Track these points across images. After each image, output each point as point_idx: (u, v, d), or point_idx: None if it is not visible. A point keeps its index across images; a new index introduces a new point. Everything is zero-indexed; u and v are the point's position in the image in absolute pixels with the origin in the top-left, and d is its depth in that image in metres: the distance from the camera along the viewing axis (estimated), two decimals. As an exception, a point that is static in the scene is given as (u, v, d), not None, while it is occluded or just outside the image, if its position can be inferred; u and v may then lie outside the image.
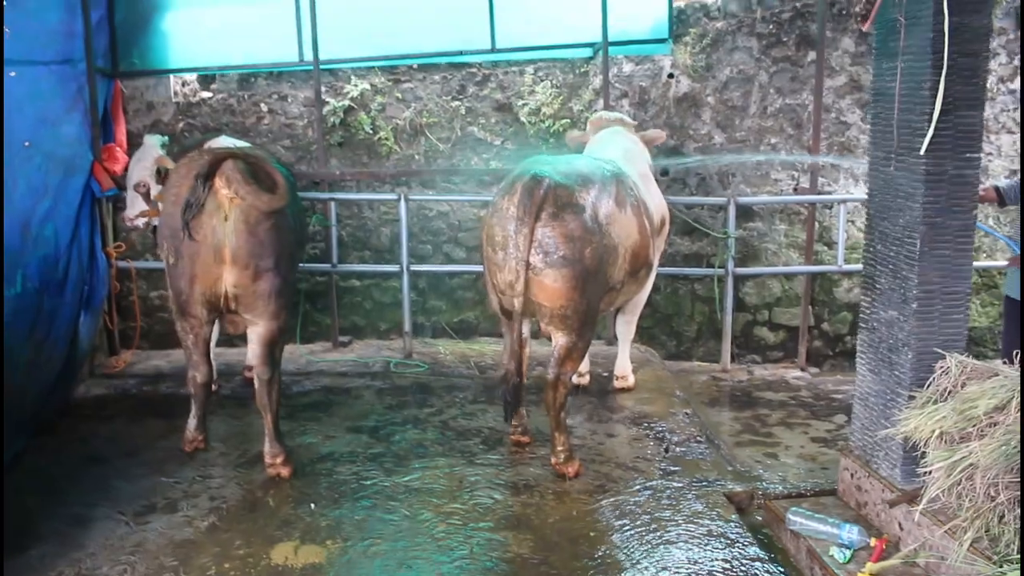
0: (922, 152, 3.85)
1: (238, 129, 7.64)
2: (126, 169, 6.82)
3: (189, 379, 5.12)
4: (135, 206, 6.23)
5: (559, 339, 4.83)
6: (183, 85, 7.80)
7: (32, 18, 6.08)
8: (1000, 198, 5.65)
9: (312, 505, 4.64)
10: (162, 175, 5.95)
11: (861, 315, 4.46)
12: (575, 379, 6.11)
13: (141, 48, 7.50)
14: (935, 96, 3.78)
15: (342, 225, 7.58)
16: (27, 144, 5.76)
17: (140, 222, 6.27)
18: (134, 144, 7.24)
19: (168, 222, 4.71)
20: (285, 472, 4.96)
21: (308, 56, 7.36)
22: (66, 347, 6.16)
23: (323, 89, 7.46)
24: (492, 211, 4.86)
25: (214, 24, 7.53)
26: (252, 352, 5.03)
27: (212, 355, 5.29)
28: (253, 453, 5.25)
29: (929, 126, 3.80)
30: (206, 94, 7.79)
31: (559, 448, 4.94)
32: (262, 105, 7.74)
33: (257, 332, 4.88)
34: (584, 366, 6.38)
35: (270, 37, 7.53)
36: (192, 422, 5.27)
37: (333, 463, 5.17)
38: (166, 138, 6.54)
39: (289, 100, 7.75)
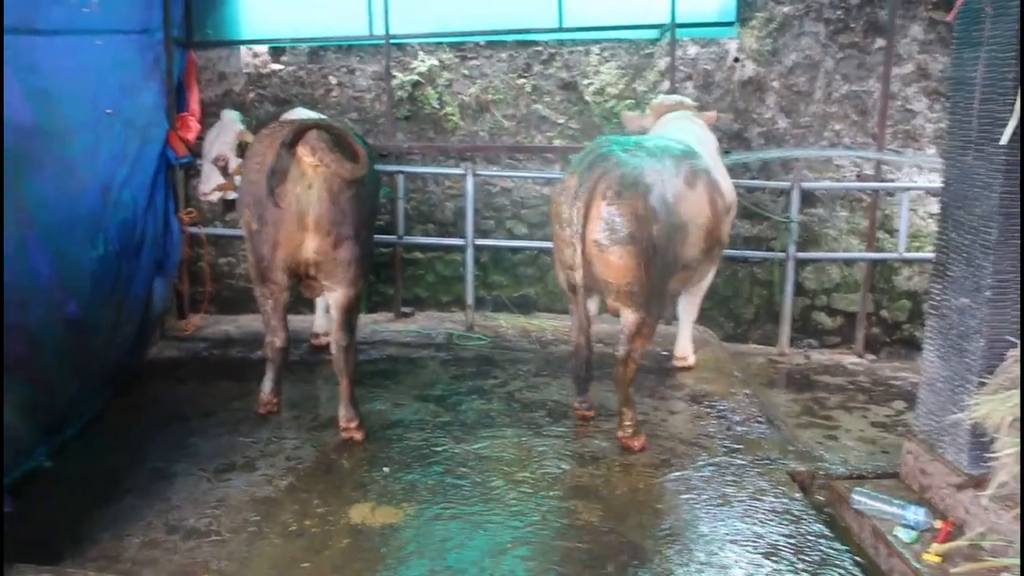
0: (1004, 142, 3.88)
1: (306, 101, 7.80)
2: (199, 137, 7.03)
3: (267, 344, 5.26)
4: (211, 180, 6.40)
5: (628, 315, 4.93)
6: (254, 56, 7.96)
7: (115, -12, 6.26)
8: None
9: (386, 469, 4.80)
10: (242, 149, 6.09)
11: (931, 302, 4.51)
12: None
13: (215, 19, 7.68)
14: (1019, 86, 3.81)
15: (407, 198, 7.72)
16: (110, 111, 5.94)
17: (215, 196, 6.43)
18: (207, 113, 7.45)
19: (251, 190, 4.82)
20: (359, 436, 5.13)
21: (378, 30, 7.52)
22: (141, 310, 6.38)
23: (391, 63, 7.59)
24: (560, 189, 4.96)
25: (286, -4, 7.69)
26: (331, 318, 5.16)
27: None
28: (325, 417, 5.42)
29: (1012, 117, 3.83)
30: (276, 66, 7.95)
31: (627, 423, 5.06)
32: (331, 78, 7.89)
33: (335, 298, 5.00)
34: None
35: (340, 11, 7.68)
36: (267, 385, 5.40)
37: (403, 429, 5.33)
38: (241, 116, 6.67)
39: (357, 73, 7.88)
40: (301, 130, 4.71)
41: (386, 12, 7.37)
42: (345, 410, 5.15)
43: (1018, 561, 3.30)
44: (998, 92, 3.96)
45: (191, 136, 7.08)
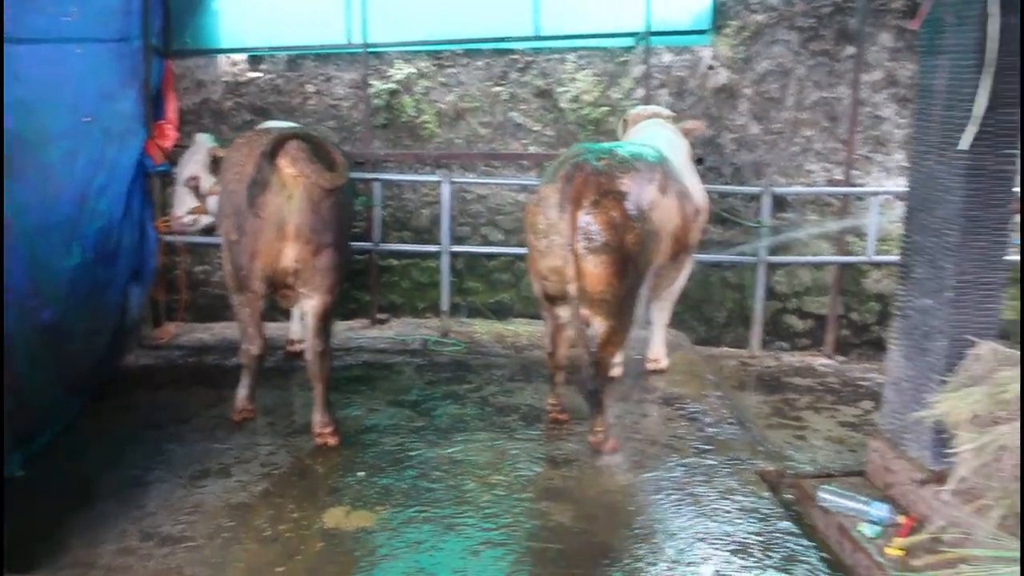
0: (963, 147, 3.98)
1: (284, 109, 7.83)
2: (177, 145, 7.05)
3: (242, 352, 5.28)
4: (184, 203, 6.24)
5: (600, 324, 4.98)
6: (232, 65, 7.99)
7: (94, -3, 6.29)
8: None
9: (360, 473, 4.85)
10: (216, 165, 6.04)
11: (896, 303, 4.61)
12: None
13: (193, 28, 7.70)
14: (978, 94, 3.91)
15: (384, 205, 7.75)
16: (87, 119, 5.96)
17: (188, 219, 6.29)
18: (185, 121, 7.48)
19: (230, 200, 4.85)
20: (333, 441, 5.17)
21: (355, 39, 7.57)
22: (117, 318, 6.39)
23: (368, 72, 7.65)
24: (536, 199, 5.01)
25: (264, 5, 7.71)
26: (305, 325, 5.19)
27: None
28: (300, 423, 5.45)
29: (971, 123, 3.92)
30: (254, 74, 7.98)
31: (598, 427, 5.11)
32: (308, 86, 7.92)
33: (312, 305, 5.03)
34: (617, 357, 6.50)
35: (318, 20, 7.70)
36: (242, 392, 5.42)
37: (378, 434, 5.37)
38: (213, 137, 6.55)
39: (335, 82, 7.92)
40: (280, 140, 4.75)
41: (364, 21, 7.44)
42: (320, 416, 5.18)
43: (977, 551, 3.38)
44: (959, 99, 4.06)
45: (168, 144, 7.10)
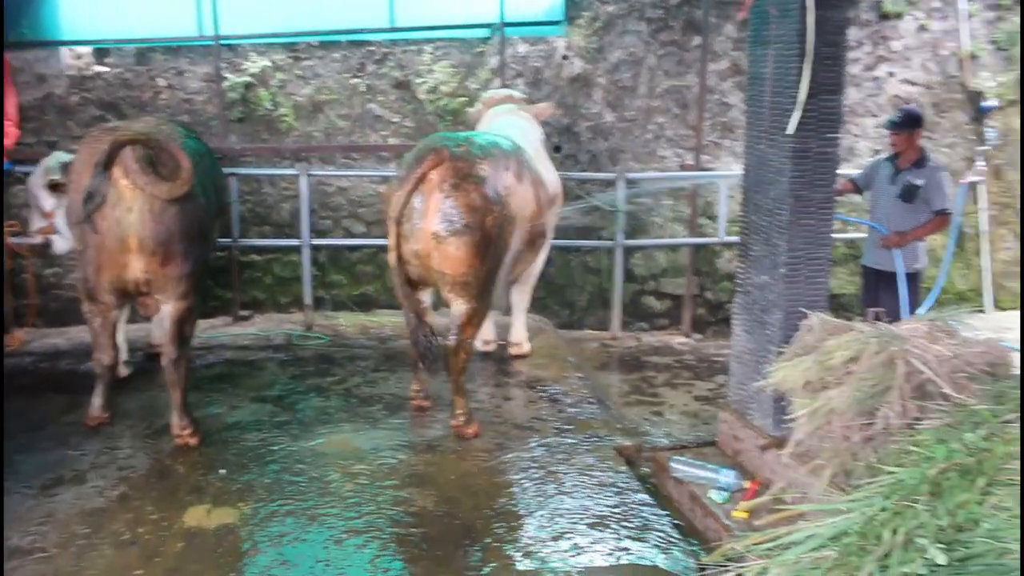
0: (790, 131, 4.23)
1: (135, 104, 7.61)
2: (18, 143, 6.74)
3: (95, 360, 5.16)
4: (34, 222, 5.99)
5: (460, 306, 5.08)
6: (77, 58, 7.70)
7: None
8: (856, 187, 6.21)
9: (222, 471, 4.78)
10: (55, 187, 5.69)
11: (736, 280, 4.86)
12: (482, 346, 6.40)
13: (31, 18, 7.40)
14: (801, 81, 4.16)
15: (242, 201, 7.63)
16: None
17: (39, 239, 6.02)
18: (27, 118, 7.17)
19: (74, 209, 4.68)
20: (193, 441, 5.06)
21: (207, 31, 7.40)
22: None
23: (222, 65, 7.50)
24: (396, 184, 5.06)
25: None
26: (162, 330, 5.02)
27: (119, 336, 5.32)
28: (160, 424, 5.32)
29: (796, 109, 4.17)
30: (101, 68, 7.71)
31: (459, 411, 5.20)
32: (159, 80, 7.71)
33: (167, 310, 4.90)
34: (490, 333, 6.66)
35: (168, 11, 7.53)
36: (96, 400, 5.29)
37: (240, 431, 5.30)
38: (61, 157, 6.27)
39: (187, 75, 7.74)
40: (115, 148, 4.48)
41: (215, 12, 7.27)
42: (178, 419, 5.06)
43: (811, 507, 3.61)
44: (784, 86, 4.31)
45: (9, 142, 6.77)
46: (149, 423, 5.40)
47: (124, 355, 6.14)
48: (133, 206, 4.56)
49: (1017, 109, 8.84)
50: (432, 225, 4.88)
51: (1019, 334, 5.66)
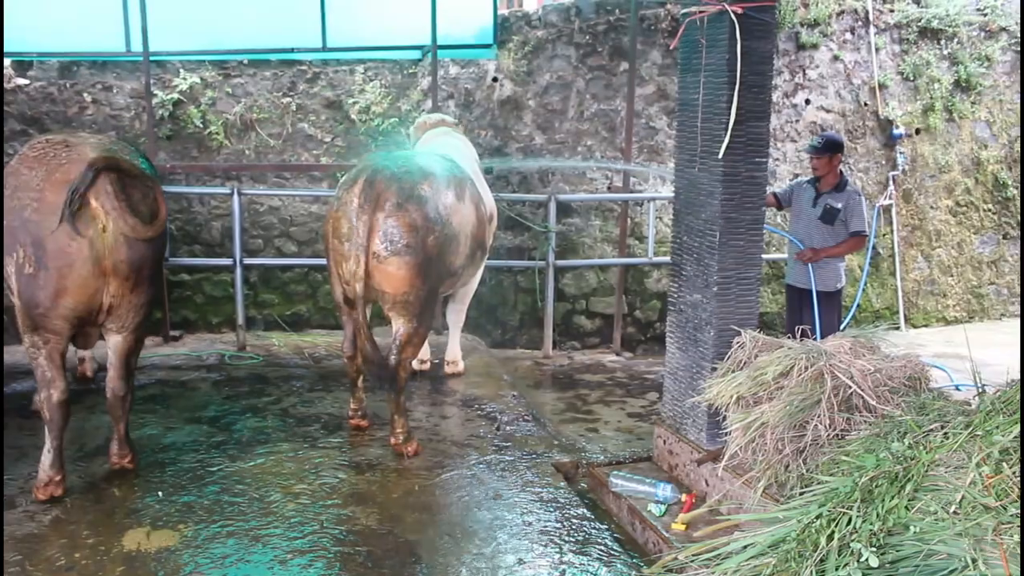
0: (720, 156, 4.41)
1: (59, 119, 7.47)
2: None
3: (42, 400, 4.58)
4: None
5: (400, 325, 5.12)
6: (-4, 71, 7.53)
7: None
8: (778, 203, 6.47)
9: (159, 493, 4.71)
10: None
11: (669, 299, 5.02)
12: (417, 365, 6.44)
13: (-57, 28, 7.19)
14: (731, 108, 4.35)
15: (172, 219, 7.53)
16: None
17: None
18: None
19: (30, 229, 4.24)
20: (130, 465, 4.95)
21: (135, 47, 7.32)
22: None
23: (151, 81, 7.41)
24: (337, 204, 5.07)
25: (32, 5, 7.27)
26: (109, 363, 4.79)
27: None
28: (91, 446, 5.23)
29: (726, 134, 4.36)
30: (22, 81, 7.55)
31: (399, 430, 5.23)
32: (85, 95, 7.59)
33: (116, 343, 4.70)
34: (426, 352, 6.71)
35: (94, 25, 7.43)
36: (47, 458, 4.60)
37: (176, 452, 5.24)
38: None
39: (115, 91, 7.63)
40: (92, 172, 4.27)
41: (144, 28, 7.16)
42: (119, 447, 4.94)
43: (746, 517, 3.75)
44: (715, 112, 4.49)
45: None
46: (80, 445, 5.29)
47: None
48: (108, 226, 4.34)
49: (923, 137, 9.31)
50: (373, 245, 4.90)
51: (799, 316, 6.00)
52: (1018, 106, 9.51)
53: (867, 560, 2.76)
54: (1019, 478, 2.71)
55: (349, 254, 4.94)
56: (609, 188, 8.34)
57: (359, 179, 4.99)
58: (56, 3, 7.37)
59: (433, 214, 5.05)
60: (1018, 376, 3.24)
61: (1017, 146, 9.59)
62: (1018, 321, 9.14)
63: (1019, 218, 9.55)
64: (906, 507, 2.88)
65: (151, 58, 7.34)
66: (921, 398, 3.69)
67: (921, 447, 3.13)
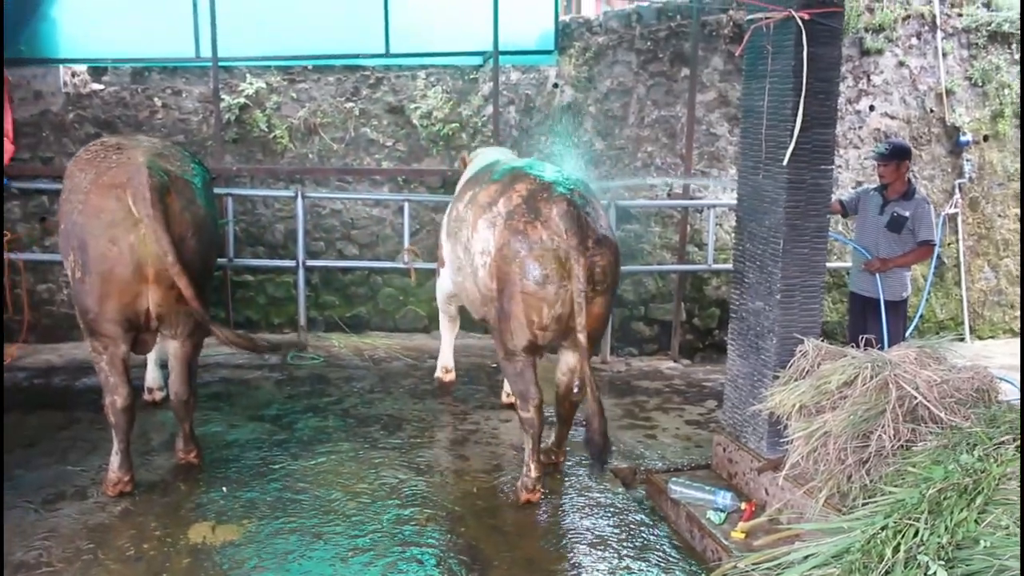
0: (785, 163, 4.38)
1: (131, 123, 7.67)
2: (14, 159, 6.80)
3: (107, 405, 4.58)
4: None
5: (577, 360, 4.80)
6: (73, 76, 7.76)
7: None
8: (844, 210, 6.37)
9: (224, 488, 4.82)
10: None
11: (731, 306, 4.99)
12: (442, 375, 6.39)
13: (29, 36, 7.46)
14: (796, 114, 4.32)
15: (237, 221, 7.70)
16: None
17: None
18: (23, 134, 7.24)
19: (75, 232, 4.29)
20: (195, 460, 5.08)
21: (204, 52, 7.50)
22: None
23: (219, 86, 7.58)
24: (520, 240, 4.48)
25: (107, 14, 7.56)
26: (172, 368, 4.85)
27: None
28: (159, 441, 5.37)
29: (791, 140, 4.33)
30: (97, 86, 7.78)
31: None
32: (156, 99, 7.78)
33: (175, 350, 4.76)
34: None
35: (165, 32, 7.63)
36: (115, 460, 4.66)
37: (240, 449, 5.35)
38: None
39: (183, 95, 7.82)
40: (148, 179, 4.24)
41: (213, 35, 7.37)
42: (184, 445, 5.07)
43: (808, 527, 3.72)
44: (780, 119, 4.46)
45: (6, 159, 6.84)
46: (146, 440, 5.43)
47: (159, 382, 5.96)
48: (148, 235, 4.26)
49: (991, 144, 9.11)
50: (583, 285, 4.39)
51: (862, 325, 5.85)
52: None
53: (935, 573, 2.73)
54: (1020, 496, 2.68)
55: (556, 298, 4.48)
56: (669, 194, 8.30)
57: (544, 211, 4.49)
58: (129, 12, 7.59)
59: (613, 237, 4.76)
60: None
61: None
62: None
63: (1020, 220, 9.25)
64: (976, 520, 2.84)
65: (219, 64, 7.53)
66: (992, 410, 3.62)
67: (992, 459, 3.08)
